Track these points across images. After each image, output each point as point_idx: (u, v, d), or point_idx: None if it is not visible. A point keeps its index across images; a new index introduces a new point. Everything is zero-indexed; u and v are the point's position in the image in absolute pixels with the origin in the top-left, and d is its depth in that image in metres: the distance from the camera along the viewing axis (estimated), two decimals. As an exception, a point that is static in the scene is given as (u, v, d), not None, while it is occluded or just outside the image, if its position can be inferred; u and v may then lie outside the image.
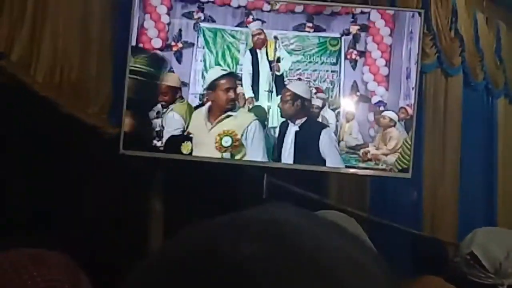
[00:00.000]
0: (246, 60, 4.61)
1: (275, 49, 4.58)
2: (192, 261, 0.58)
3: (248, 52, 4.61)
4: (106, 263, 4.37)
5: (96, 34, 4.33)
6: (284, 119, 4.49)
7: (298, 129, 4.45)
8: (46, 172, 4.34)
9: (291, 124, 4.47)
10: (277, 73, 4.55)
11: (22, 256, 1.63)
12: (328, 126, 4.53)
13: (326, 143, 4.46)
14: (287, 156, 4.47)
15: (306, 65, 4.63)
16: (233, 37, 4.62)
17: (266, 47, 4.57)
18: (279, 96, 4.54)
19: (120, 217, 4.46)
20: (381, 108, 4.60)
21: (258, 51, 4.59)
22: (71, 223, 4.32)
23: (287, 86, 4.53)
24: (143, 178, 4.56)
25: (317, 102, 4.60)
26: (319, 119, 4.59)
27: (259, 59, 4.58)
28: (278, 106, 4.50)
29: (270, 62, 4.56)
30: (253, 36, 4.59)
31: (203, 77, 4.59)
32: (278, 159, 4.48)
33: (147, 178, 4.59)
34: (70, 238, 4.24)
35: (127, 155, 4.40)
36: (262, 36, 4.57)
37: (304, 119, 4.47)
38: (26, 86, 4.07)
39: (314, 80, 4.63)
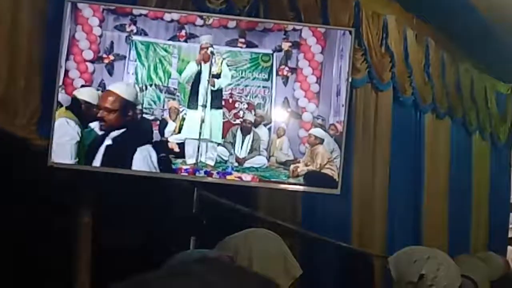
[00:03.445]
0: (188, 70, 4.59)
1: (221, 64, 4.58)
2: None
3: (193, 63, 4.59)
4: (32, 278, 4.31)
5: (25, 45, 4.25)
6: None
7: (110, 142, 4.30)
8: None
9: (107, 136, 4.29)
10: (213, 88, 4.55)
11: None
12: (151, 144, 4.39)
13: (138, 163, 4.33)
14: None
15: (238, 80, 4.65)
16: (166, 50, 4.61)
17: (211, 61, 4.56)
18: (213, 110, 4.55)
19: (48, 230, 4.39)
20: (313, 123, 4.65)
21: (202, 64, 4.58)
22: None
23: (109, 87, 4.39)
24: (72, 190, 4.51)
25: (249, 117, 4.64)
26: (251, 134, 4.63)
27: (202, 72, 4.56)
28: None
29: (213, 76, 4.55)
30: (201, 49, 4.57)
31: (134, 90, 4.57)
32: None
33: (76, 190, 4.54)
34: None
35: (56, 167, 4.34)
36: (210, 49, 4.56)
37: (122, 131, 4.28)
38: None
39: (246, 96, 4.65)
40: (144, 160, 4.33)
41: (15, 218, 4.32)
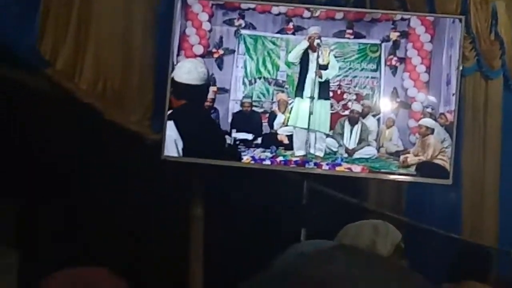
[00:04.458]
0: (298, 48, 4.59)
1: (328, 55, 4.58)
2: None
3: (305, 42, 4.58)
4: (146, 269, 4.44)
5: (138, 43, 4.38)
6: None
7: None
8: (89, 178, 4.42)
9: None
10: (320, 79, 4.55)
11: (70, 278, 1.69)
12: None
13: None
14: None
15: (346, 71, 4.64)
16: (274, 43, 4.65)
17: (318, 53, 4.57)
18: (321, 101, 4.55)
19: (161, 222, 4.52)
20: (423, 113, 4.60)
21: (310, 54, 4.58)
22: (112, 229, 4.40)
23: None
24: (184, 183, 4.61)
25: (357, 107, 4.62)
26: (358, 125, 4.61)
27: (310, 62, 4.57)
28: None
29: (320, 67, 4.55)
30: (309, 38, 4.58)
31: (243, 83, 4.63)
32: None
33: (188, 183, 4.65)
34: (111, 244, 4.33)
35: (169, 161, 4.44)
36: (317, 41, 4.55)
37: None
38: (70, 93, 4.15)
39: (354, 87, 4.64)
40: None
41: (129, 211, 4.47)
